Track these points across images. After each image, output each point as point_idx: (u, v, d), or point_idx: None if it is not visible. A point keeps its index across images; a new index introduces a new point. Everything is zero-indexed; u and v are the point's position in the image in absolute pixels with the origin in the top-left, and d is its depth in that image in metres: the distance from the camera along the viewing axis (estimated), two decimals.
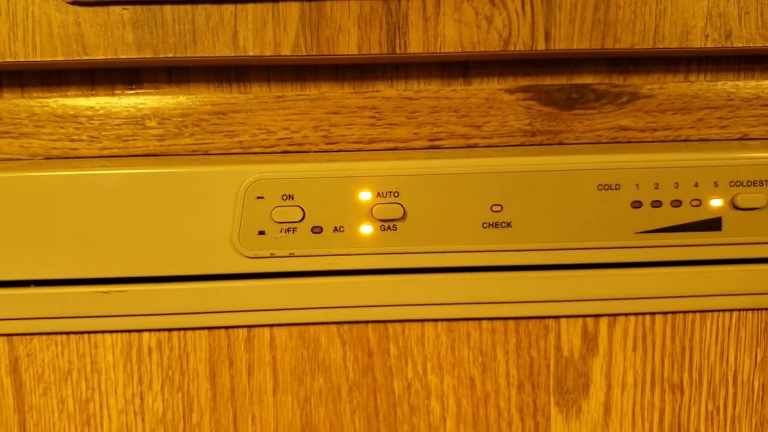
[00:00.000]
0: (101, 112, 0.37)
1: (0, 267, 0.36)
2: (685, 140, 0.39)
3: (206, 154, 0.38)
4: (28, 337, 0.37)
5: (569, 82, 0.39)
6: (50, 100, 0.38)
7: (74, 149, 0.38)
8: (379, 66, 0.39)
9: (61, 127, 0.38)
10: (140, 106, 0.38)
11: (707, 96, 0.38)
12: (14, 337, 0.37)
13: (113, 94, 0.38)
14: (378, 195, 0.36)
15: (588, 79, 0.39)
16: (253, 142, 0.38)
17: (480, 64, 0.39)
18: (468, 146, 0.38)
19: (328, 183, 0.36)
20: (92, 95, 0.38)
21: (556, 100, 0.38)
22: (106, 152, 0.38)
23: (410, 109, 0.38)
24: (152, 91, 0.39)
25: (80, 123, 0.38)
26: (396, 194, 0.36)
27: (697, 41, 0.36)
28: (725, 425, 0.39)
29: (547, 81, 0.39)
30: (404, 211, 0.36)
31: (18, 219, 0.36)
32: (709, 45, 0.36)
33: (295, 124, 0.38)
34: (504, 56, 0.37)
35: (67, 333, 0.37)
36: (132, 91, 0.38)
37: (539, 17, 0.36)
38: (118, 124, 0.38)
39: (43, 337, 0.37)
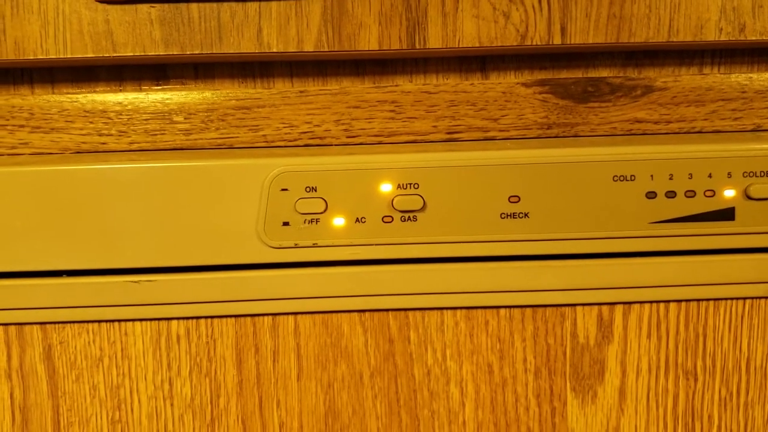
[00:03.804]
0: (129, 107, 0.39)
1: (33, 258, 0.38)
2: (699, 132, 0.39)
3: (231, 147, 0.39)
4: (60, 325, 0.39)
5: (585, 75, 0.40)
6: (80, 96, 0.39)
7: (103, 143, 0.39)
8: (399, 61, 0.40)
9: (91, 122, 0.39)
10: (167, 101, 0.39)
11: (721, 88, 0.39)
12: (47, 326, 0.39)
13: (141, 90, 0.39)
14: (398, 187, 0.37)
15: (603, 73, 0.40)
16: (276, 136, 0.39)
17: (497, 58, 0.40)
18: (485, 139, 0.39)
19: (350, 175, 0.37)
20: (120, 91, 0.39)
21: (571, 93, 0.39)
22: (134, 146, 0.39)
23: (429, 102, 0.39)
24: (179, 86, 0.40)
25: (109, 118, 0.39)
26: (416, 186, 0.37)
27: (712, 34, 0.37)
28: (738, 411, 0.40)
29: (563, 74, 0.40)
30: (424, 202, 0.37)
31: (51, 211, 0.37)
32: (723, 38, 0.37)
33: (317, 118, 0.39)
34: (521, 51, 0.38)
35: (99, 321, 0.39)
36: (159, 87, 0.40)
37: (555, 12, 0.37)
38: (146, 119, 0.39)
39: (75, 325, 0.39)
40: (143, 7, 0.36)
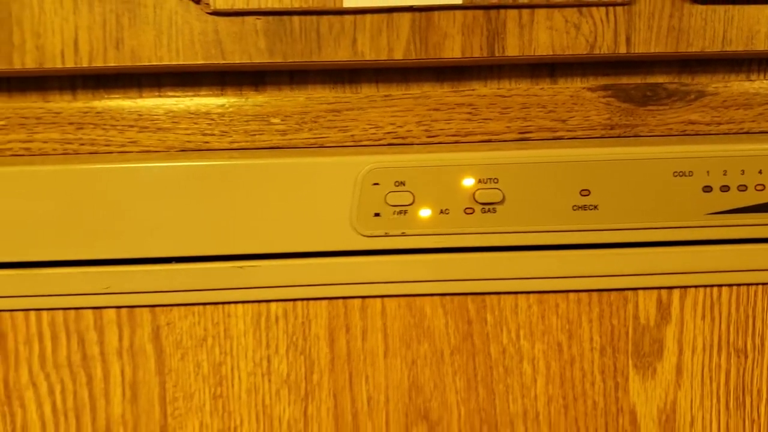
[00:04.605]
0: (231, 109, 0.43)
1: (146, 246, 0.41)
2: (747, 132, 0.43)
3: (322, 147, 0.43)
4: (168, 308, 0.42)
5: (644, 81, 0.44)
6: (185, 99, 0.43)
7: (207, 142, 0.43)
8: (475, 68, 0.44)
9: (195, 123, 0.43)
10: (265, 105, 0.43)
11: (767, 93, 0.43)
12: (156, 308, 0.43)
13: (241, 95, 0.43)
14: (479, 181, 0.41)
15: (660, 79, 0.44)
16: (363, 136, 0.43)
17: (565, 65, 0.44)
18: (554, 138, 0.43)
19: (436, 171, 0.41)
20: (222, 95, 0.43)
21: (632, 97, 0.43)
22: (234, 145, 0.43)
23: (503, 105, 0.43)
24: (275, 92, 0.44)
25: (212, 119, 0.43)
26: (495, 180, 0.41)
27: (761, 44, 0.41)
28: None
29: (624, 80, 0.44)
30: (503, 195, 0.41)
31: (163, 203, 0.41)
32: None
33: (400, 119, 0.43)
34: (589, 59, 0.42)
35: (204, 304, 0.42)
36: (257, 92, 0.44)
37: (621, 25, 0.41)
38: (246, 121, 0.43)
39: (182, 308, 0.43)
40: (250, 19, 0.40)
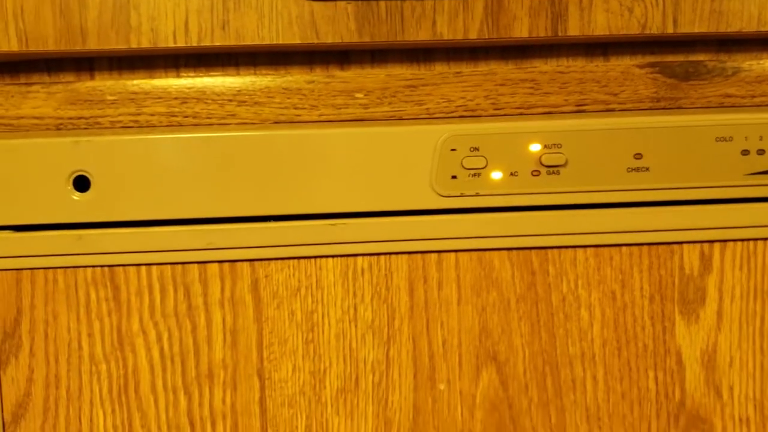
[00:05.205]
0: (319, 85, 0.48)
1: (245, 205, 0.47)
2: None
3: (401, 119, 0.48)
4: (266, 261, 0.48)
5: (686, 59, 0.49)
6: (278, 77, 0.48)
7: (298, 115, 0.48)
8: (537, 47, 0.49)
9: (288, 98, 0.48)
10: (350, 81, 0.48)
11: None
12: (255, 262, 0.48)
13: (328, 73, 0.49)
14: (545, 147, 0.46)
15: (701, 57, 0.49)
16: (436, 109, 0.48)
17: (616, 45, 0.49)
18: (607, 110, 0.49)
19: (507, 138, 0.46)
20: (311, 73, 0.49)
21: (677, 74, 0.48)
22: (323, 117, 0.48)
23: (561, 81, 0.48)
24: (359, 69, 0.49)
25: (303, 95, 0.48)
26: (559, 146, 0.46)
27: None
28: None
29: (669, 58, 0.49)
30: (566, 159, 0.46)
31: (262, 168, 0.46)
32: None
33: (470, 94, 0.48)
34: (640, 38, 0.47)
35: (298, 258, 0.48)
36: (342, 70, 0.49)
37: (669, 7, 0.46)
38: (333, 96, 0.48)
39: (279, 262, 0.48)
40: (341, 4, 0.46)
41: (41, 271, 0.47)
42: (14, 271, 0.47)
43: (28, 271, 0.47)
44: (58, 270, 0.47)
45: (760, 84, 0.49)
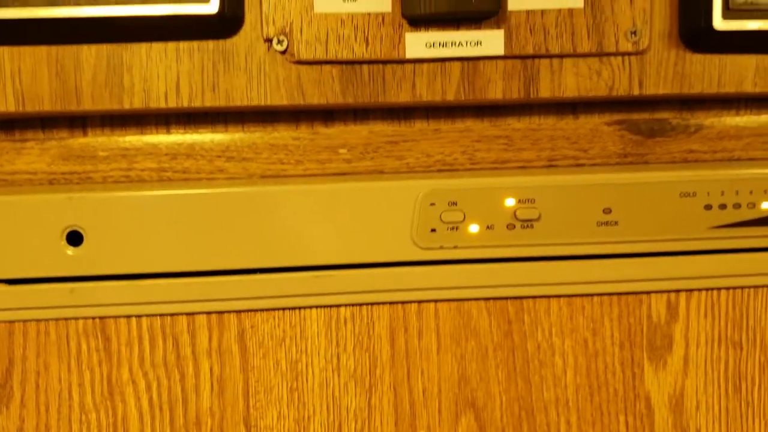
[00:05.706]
0: (305, 141, 0.50)
1: (233, 258, 0.48)
2: (738, 159, 0.52)
3: (382, 172, 0.51)
4: (252, 312, 0.49)
5: (652, 117, 0.52)
6: (265, 134, 0.50)
7: (284, 170, 0.50)
8: (510, 106, 0.52)
9: (275, 153, 0.50)
10: (333, 137, 0.50)
11: (753, 126, 0.52)
12: (242, 313, 0.49)
13: (312, 130, 0.51)
14: (519, 201, 0.49)
15: (665, 115, 0.52)
16: (416, 164, 0.51)
17: (585, 104, 0.52)
18: (577, 165, 0.51)
19: (483, 193, 0.48)
20: (296, 130, 0.51)
21: (642, 131, 0.51)
22: (308, 172, 0.50)
23: (534, 137, 0.51)
24: (342, 126, 0.51)
25: (289, 150, 0.50)
26: (533, 201, 0.49)
27: (749, 87, 0.50)
28: None
29: (635, 116, 0.52)
30: (539, 213, 0.49)
31: (248, 223, 0.48)
32: (758, 90, 0.50)
33: (448, 149, 0.51)
34: (607, 99, 0.50)
35: (283, 309, 0.49)
36: (326, 127, 0.51)
37: (635, 71, 0.49)
38: (318, 151, 0.50)
39: (265, 313, 0.50)
40: (327, 67, 0.48)
41: (33, 323, 0.48)
42: (7, 324, 0.48)
43: (21, 323, 0.48)
44: (50, 322, 0.48)
45: (720, 140, 0.51)
